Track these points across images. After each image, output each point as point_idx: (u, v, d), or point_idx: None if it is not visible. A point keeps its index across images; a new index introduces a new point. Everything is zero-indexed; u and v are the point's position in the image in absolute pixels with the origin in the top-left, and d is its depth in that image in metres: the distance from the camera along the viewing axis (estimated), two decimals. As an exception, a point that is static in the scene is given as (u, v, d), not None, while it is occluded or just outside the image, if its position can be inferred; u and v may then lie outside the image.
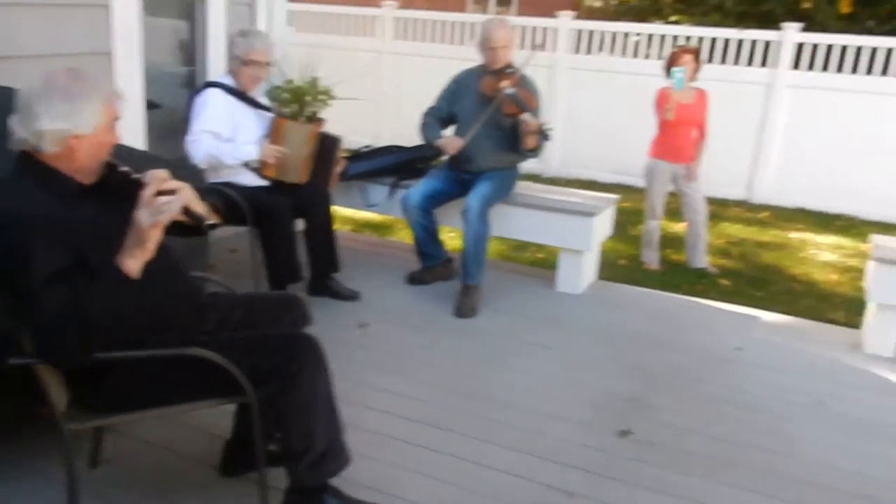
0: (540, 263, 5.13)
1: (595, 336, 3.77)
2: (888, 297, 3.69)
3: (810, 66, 7.36)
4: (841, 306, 4.75)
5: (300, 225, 3.86)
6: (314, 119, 3.86)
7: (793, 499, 2.54)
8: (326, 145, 3.83)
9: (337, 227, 3.94)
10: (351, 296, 3.93)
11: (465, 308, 3.89)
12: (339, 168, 4.00)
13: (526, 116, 3.87)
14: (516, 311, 4.01)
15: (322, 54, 4.91)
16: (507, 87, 3.90)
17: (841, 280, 5.35)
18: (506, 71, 4.01)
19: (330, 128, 3.93)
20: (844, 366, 3.61)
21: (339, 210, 4.95)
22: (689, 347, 3.70)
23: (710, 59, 7.52)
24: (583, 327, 3.87)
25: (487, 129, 4.00)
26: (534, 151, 4.03)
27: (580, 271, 4.30)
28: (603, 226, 4.39)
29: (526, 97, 3.95)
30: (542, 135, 3.95)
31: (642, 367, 3.45)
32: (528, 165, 5.15)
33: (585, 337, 3.75)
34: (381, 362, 3.33)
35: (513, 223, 4.27)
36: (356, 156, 4.59)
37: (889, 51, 7.05)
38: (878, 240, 3.89)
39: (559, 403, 3.06)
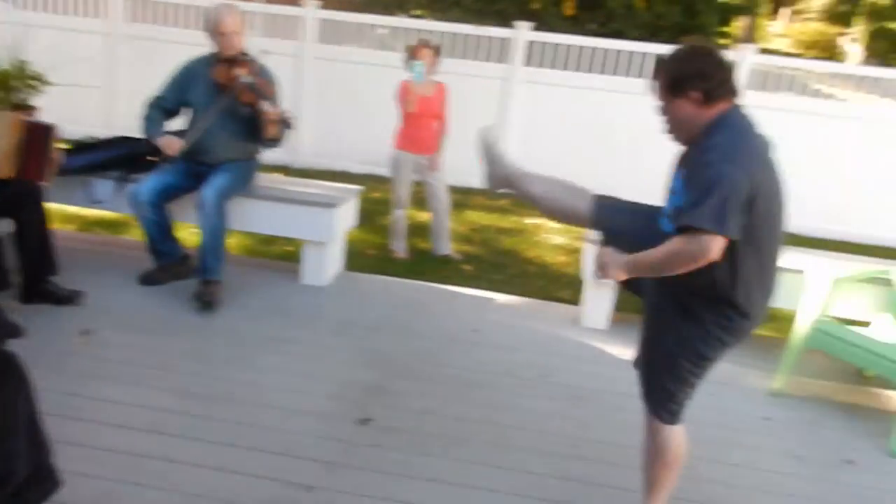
0: (289, 257, 5.04)
1: (337, 327, 3.78)
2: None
3: (541, 63, 7.94)
4: (568, 285, 5.18)
5: (8, 225, 3.46)
6: (22, 106, 3.47)
7: (518, 468, 2.72)
8: (36, 135, 3.43)
9: (59, 225, 3.60)
10: (71, 298, 3.59)
11: (204, 306, 3.73)
12: (54, 160, 3.60)
13: (265, 105, 3.77)
14: (259, 306, 3.92)
15: (39, 35, 4.46)
16: (242, 75, 3.78)
17: (569, 261, 5.84)
18: (239, 58, 3.87)
19: (50, 117, 3.54)
20: (566, 339, 3.95)
21: (62, 208, 4.52)
22: (430, 332, 3.84)
23: (451, 54, 7.84)
24: (326, 319, 3.87)
25: (223, 118, 3.85)
26: (276, 141, 3.95)
27: (324, 263, 4.29)
28: (346, 217, 4.41)
29: (263, 85, 3.85)
30: (284, 123, 3.88)
31: (384, 354, 3.53)
32: (277, 156, 5.06)
33: (328, 328, 3.75)
34: (108, 371, 3.08)
35: (254, 216, 4.15)
36: (79, 147, 4.19)
37: (606, 51, 7.80)
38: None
39: (300, 398, 3.04)
